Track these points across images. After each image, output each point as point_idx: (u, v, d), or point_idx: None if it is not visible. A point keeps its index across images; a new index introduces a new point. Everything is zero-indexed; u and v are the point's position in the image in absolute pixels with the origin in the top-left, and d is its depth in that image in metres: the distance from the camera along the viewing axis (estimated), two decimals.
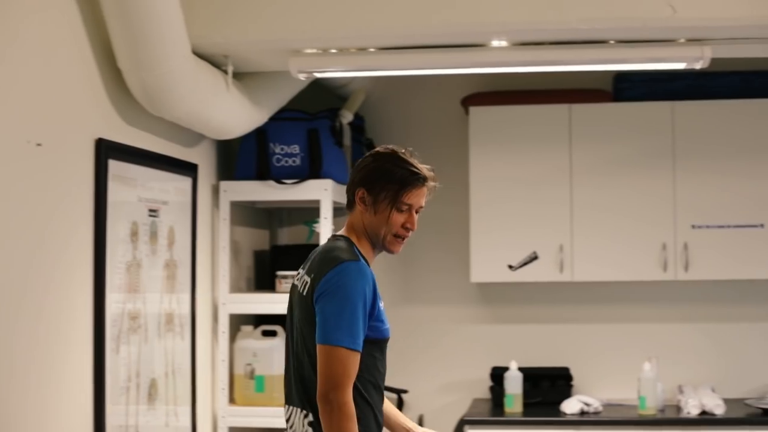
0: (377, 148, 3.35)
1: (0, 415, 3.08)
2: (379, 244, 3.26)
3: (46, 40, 3.39)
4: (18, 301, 3.18)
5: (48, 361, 3.37)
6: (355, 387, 3.11)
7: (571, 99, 5.49)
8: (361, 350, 3.07)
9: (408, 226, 3.23)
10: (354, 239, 3.25)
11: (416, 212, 3.25)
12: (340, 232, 3.30)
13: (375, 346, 3.18)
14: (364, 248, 3.24)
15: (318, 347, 3.06)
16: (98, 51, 3.73)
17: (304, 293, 3.16)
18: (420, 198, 3.24)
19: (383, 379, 3.26)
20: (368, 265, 3.19)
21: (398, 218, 3.22)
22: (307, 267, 3.24)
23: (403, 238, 3.25)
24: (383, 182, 3.21)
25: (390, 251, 3.28)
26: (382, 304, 3.21)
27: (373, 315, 3.13)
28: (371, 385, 3.19)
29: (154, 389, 4.16)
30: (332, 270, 3.09)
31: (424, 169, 3.25)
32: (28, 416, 3.25)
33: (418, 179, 3.22)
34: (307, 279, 3.17)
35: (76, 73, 3.62)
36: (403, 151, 3.27)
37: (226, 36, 4.14)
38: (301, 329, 3.18)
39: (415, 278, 5.85)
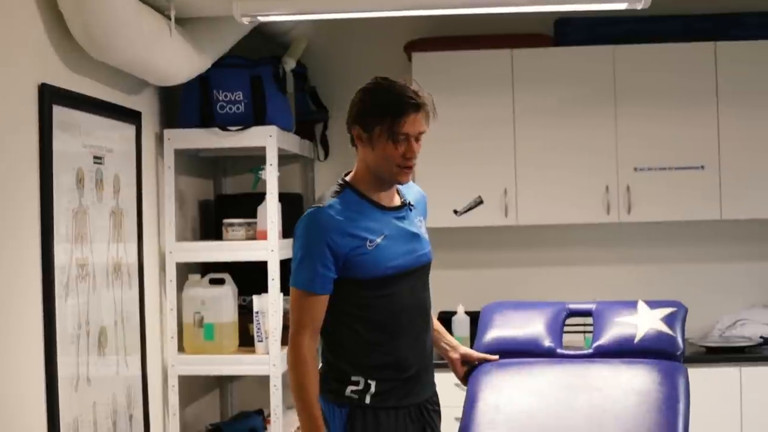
0: (368, 82, 3.24)
1: None
2: (386, 178, 3.22)
3: None
4: None
5: None
6: (343, 324, 3.23)
7: (512, 44, 5.50)
8: (320, 292, 3.16)
9: (408, 155, 3.15)
10: (354, 177, 3.26)
11: (417, 139, 3.16)
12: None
13: (367, 284, 3.20)
14: (365, 184, 3.23)
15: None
16: None
17: None
18: (416, 125, 3.14)
19: (401, 316, 3.25)
20: (360, 196, 3.21)
21: (397, 150, 3.15)
22: None
23: (408, 167, 3.18)
24: (375, 116, 3.14)
25: (398, 183, 3.26)
26: (372, 242, 3.18)
27: (348, 255, 3.15)
28: (371, 323, 3.22)
29: (104, 337, 4.13)
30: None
31: (415, 94, 3.15)
32: None
33: (409, 107, 3.13)
34: None
35: (17, 15, 3.54)
36: (391, 80, 3.19)
37: None
38: None
39: None
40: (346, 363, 3.26)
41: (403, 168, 3.18)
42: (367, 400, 3.22)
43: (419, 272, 3.33)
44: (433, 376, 3.42)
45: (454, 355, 3.64)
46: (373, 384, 3.22)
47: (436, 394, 3.44)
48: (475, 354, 3.65)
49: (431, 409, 3.38)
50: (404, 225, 3.29)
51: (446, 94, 5.40)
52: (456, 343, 3.66)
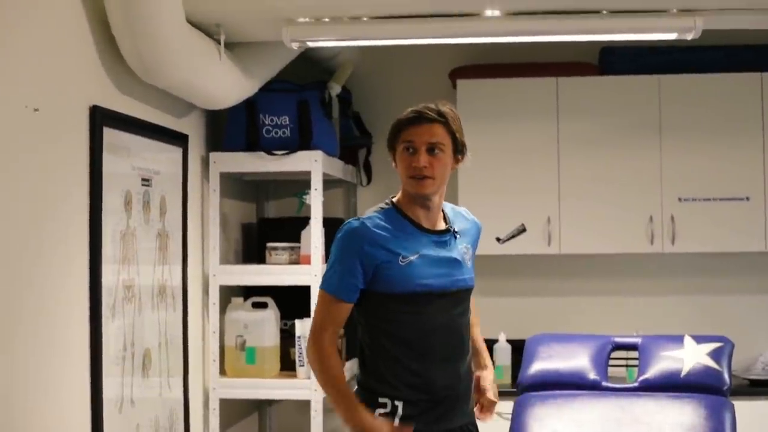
0: None
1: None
2: (412, 194, 3.29)
3: (41, 6, 3.36)
4: (13, 269, 3.14)
5: (45, 331, 3.33)
6: (373, 338, 3.28)
7: (557, 72, 5.48)
8: (346, 300, 3.22)
9: (414, 164, 3.23)
10: (398, 199, 3.36)
11: (429, 151, 3.23)
12: None
13: (396, 299, 3.23)
14: (406, 206, 3.32)
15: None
16: (93, 17, 3.69)
17: None
18: (420, 134, 3.23)
19: (431, 337, 3.25)
20: (402, 215, 3.29)
21: (404, 161, 3.27)
22: None
23: (419, 178, 3.24)
24: (391, 133, 3.32)
25: (419, 196, 3.29)
26: (405, 258, 3.22)
27: (378, 268, 3.20)
28: (395, 338, 3.24)
29: (148, 359, 4.14)
30: None
31: (426, 107, 3.27)
32: (28, 387, 3.23)
33: (405, 117, 3.27)
34: None
35: (71, 38, 3.58)
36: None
37: (219, 4, 4.11)
38: None
39: None
40: (375, 380, 3.27)
41: (414, 178, 3.25)
42: (396, 423, 3.22)
43: (455, 296, 3.34)
44: (470, 404, 3.40)
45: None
46: (400, 406, 3.23)
47: (473, 423, 3.42)
48: (481, 392, 3.49)
49: None
50: (444, 249, 3.33)
51: (491, 122, 5.42)
52: (484, 364, 3.57)
